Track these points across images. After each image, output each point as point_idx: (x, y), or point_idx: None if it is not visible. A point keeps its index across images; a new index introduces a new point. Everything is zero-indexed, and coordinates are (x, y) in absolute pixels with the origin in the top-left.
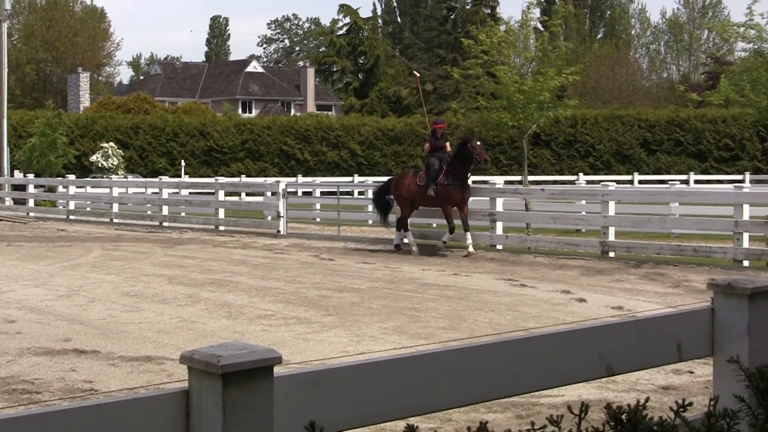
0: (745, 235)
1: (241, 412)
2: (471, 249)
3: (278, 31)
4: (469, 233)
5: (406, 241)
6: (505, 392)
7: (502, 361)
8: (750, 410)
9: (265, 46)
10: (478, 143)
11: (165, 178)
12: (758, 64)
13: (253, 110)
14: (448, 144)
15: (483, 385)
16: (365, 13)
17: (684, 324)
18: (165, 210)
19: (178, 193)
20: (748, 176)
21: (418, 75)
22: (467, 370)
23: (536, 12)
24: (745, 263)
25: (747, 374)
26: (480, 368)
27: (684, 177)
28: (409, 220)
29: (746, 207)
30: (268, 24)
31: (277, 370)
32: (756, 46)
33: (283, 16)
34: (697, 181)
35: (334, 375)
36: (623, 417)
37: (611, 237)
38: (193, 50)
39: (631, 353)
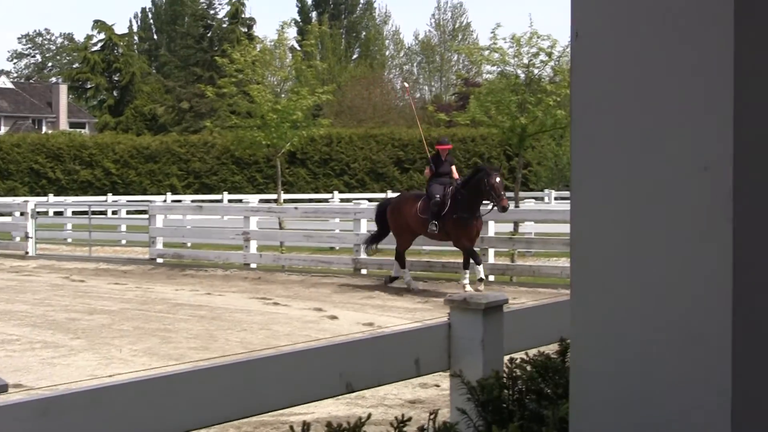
0: (491, 251)
1: None
2: (482, 275)
3: (30, 45)
4: (480, 266)
5: (404, 277)
6: (250, 411)
7: (243, 380)
8: (471, 422)
9: (15, 61)
10: (498, 180)
11: None
12: (502, 86)
13: (2, 128)
14: (454, 168)
15: (226, 404)
16: (121, 29)
17: (422, 339)
18: None
19: None
20: None
21: (407, 85)
22: (210, 391)
23: (292, 31)
24: (491, 278)
25: (468, 387)
26: (222, 388)
27: None
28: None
29: (491, 223)
30: (18, 38)
31: (7, 398)
32: (500, 69)
33: (35, 30)
34: None
35: (66, 402)
36: None
37: (363, 254)
38: None
39: (370, 369)
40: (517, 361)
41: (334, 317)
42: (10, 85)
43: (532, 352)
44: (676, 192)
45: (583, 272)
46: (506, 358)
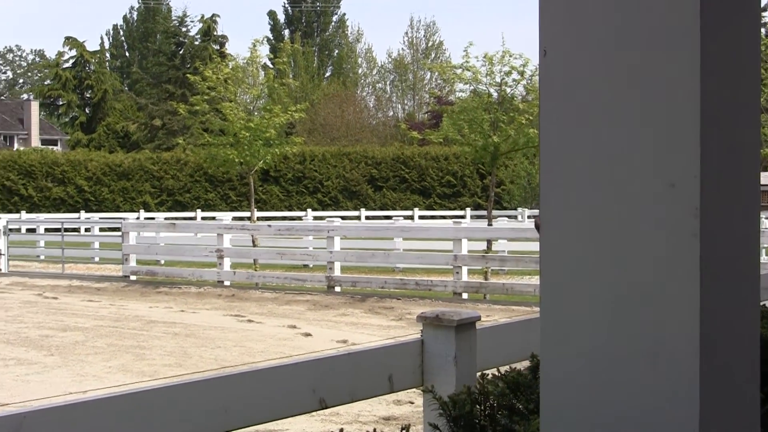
0: (464, 269)
1: None
2: None
3: (1, 62)
4: None
5: None
6: (223, 427)
7: (216, 396)
8: None
9: None
10: None
11: None
12: (475, 104)
13: None
14: None
15: (200, 421)
16: (92, 46)
17: (395, 356)
18: None
19: None
20: (468, 212)
21: None
22: (184, 407)
23: (264, 49)
24: (464, 296)
25: (440, 403)
26: (197, 404)
27: (409, 213)
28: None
29: (464, 241)
30: None
31: None
32: (472, 87)
33: (6, 47)
34: (421, 217)
35: (40, 418)
36: None
37: (337, 272)
38: None
39: (344, 385)
40: (489, 377)
41: (308, 334)
42: None
43: (504, 368)
44: (643, 208)
45: (550, 285)
46: (478, 374)
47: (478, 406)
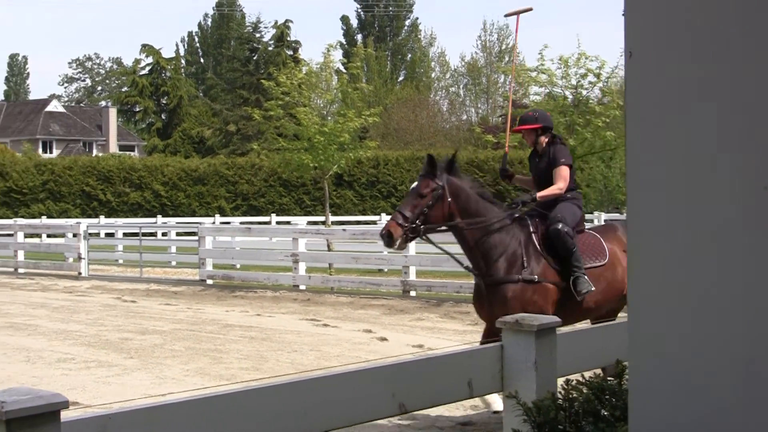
0: None
1: None
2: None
3: (80, 70)
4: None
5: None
6: (300, 431)
7: (295, 400)
8: None
9: (66, 85)
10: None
11: None
12: (550, 108)
13: (54, 150)
14: (560, 170)
15: (278, 424)
16: (168, 53)
17: (474, 361)
18: None
19: None
20: None
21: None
22: (263, 411)
23: (337, 54)
24: None
25: (524, 409)
26: (273, 408)
27: None
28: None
29: None
30: (69, 63)
31: (66, 415)
32: (547, 90)
33: (85, 55)
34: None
35: (124, 419)
36: None
37: (412, 276)
38: None
39: (423, 390)
40: (573, 382)
41: (383, 339)
42: (61, 109)
43: (588, 373)
44: (735, 213)
45: (639, 294)
46: (562, 379)
47: (562, 412)
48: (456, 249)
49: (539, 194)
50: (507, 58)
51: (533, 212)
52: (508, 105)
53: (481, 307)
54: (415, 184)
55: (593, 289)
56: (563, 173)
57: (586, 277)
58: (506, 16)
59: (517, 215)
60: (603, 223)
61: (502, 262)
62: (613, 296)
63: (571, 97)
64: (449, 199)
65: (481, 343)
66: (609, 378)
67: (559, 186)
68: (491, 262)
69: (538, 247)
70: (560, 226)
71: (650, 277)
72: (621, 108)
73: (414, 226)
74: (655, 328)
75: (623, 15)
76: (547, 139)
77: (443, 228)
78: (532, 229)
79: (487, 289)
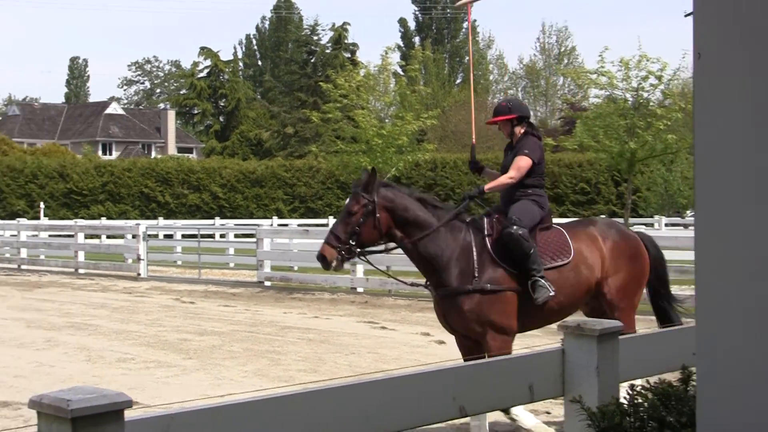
0: None
1: None
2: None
3: (139, 72)
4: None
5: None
6: None
7: (356, 403)
8: None
9: (125, 87)
10: None
11: (23, 221)
12: (610, 110)
13: (114, 152)
14: (520, 159)
15: (338, 426)
16: (226, 56)
17: (535, 365)
18: (23, 253)
19: (36, 235)
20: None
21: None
22: (323, 413)
23: (395, 56)
24: None
25: (589, 413)
26: (334, 410)
27: None
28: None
29: None
30: (128, 66)
31: (129, 414)
32: (608, 93)
33: (144, 58)
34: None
35: (188, 419)
36: None
37: None
38: (52, 91)
39: (483, 394)
40: (638, 388)
41: (441, 342)
42: (121, 111)
43: (653, 379)
44: None
45: (710, 300)
46: (626, 384)
47: (627, 418)
48: None
49: (487, 186)
50: (566, 61)
51: (493, 212)
52: (472, 96)
53: (441, 319)
54: (347, 201)
55: (552, 294)
56: (519, 163)
57: (544, 280)
58: (456, 5)
59: (468, 219)
60: (663, 226)
61: (454, 270)
62: (577, 297)
63: (631, 99)
64: (380, 215)
65: (464, 359)
66: (674, 384)
67: (510, 175)
68: (441, 273)
69: (491, 252)
70: (513, 228)
71: (722, 282)
72: (683, 110)
73: (348, 246)
74: (728, 334)
75: (686, 16)
76: (522, 130)
77: (380, 247)
78: (486, 232)
79: (441, 301)
